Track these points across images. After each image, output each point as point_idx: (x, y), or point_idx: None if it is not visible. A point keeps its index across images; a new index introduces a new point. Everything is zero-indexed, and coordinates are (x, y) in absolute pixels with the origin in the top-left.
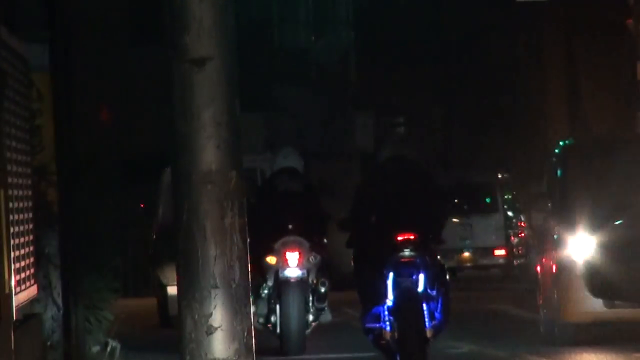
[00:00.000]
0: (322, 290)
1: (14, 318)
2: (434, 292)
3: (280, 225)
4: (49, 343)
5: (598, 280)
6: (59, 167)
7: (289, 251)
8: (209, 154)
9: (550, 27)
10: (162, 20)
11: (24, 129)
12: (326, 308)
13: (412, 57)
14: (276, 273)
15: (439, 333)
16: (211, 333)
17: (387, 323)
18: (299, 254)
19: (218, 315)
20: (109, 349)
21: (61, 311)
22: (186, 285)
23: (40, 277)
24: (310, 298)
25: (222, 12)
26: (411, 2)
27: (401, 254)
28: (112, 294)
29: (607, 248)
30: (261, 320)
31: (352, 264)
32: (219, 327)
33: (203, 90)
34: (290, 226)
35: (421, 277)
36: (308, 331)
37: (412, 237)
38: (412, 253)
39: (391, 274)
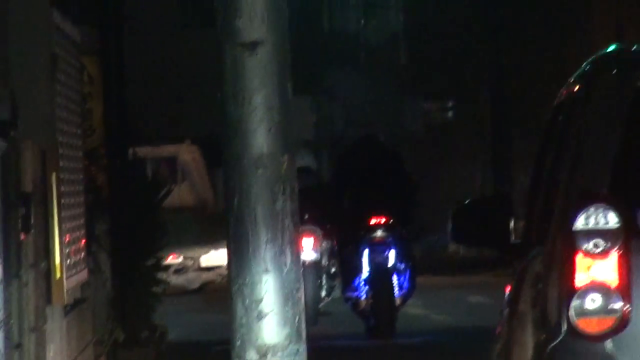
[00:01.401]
0: (333, 270)
1: (65, 302)
2: (402, 266)
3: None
4: (98, 328)
5: None
6: (108, 150)
7: (305, 237)
8: (260, 137)
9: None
10: (213, 3)
11: (76, 113)
12: (336, 285)
13: (461, 40)
14: None
15: (406, 300)
16: (262, 318)
17: (363, 292)
18: (313, 239)
19: (269, 300)
20: (157, 333)
21: (111, 296)
22: (237, 270)
23: (90, 262)
24: (324, 277)
25: None
26: None
27: (374, 234)
28: (164, 278)
29: None
30: None
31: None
32: (270, 311)
33: (254, 74)
34: (306, 216)
35: (391, 253)
36: (322, 304)
37: (383, 219)
38: (383, 233)
39: (366, 251)
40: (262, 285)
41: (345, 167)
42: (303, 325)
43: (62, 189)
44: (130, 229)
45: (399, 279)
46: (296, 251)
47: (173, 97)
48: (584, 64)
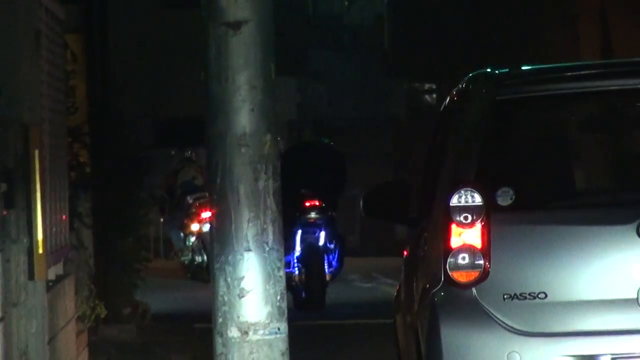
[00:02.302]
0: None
1: (47, 278)
2: (332, 246)
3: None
4: (80, 304)
5: None
6: (91, 128)
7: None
8: (243, 116)
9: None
10: None
11: (59, 90)
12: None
13: (445, 22)
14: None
15: (335, 276)
16: (243, 296)
17: (296, 269)
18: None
19: (251, 279)
20: (139, 310)
21: (94, 272)
22: (219, 248)
23: (73, 238)
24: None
25: None
26: None
27: (308, 215)
28: (146, 256)
29: None
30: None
31: None
32: (252, 290)
33: (238, 53)
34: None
35: (322, 234)
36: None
37: (317, 203)
38: (316, 215)
39: (299, 231)
40: (244, 263)
41: (290, 158)
42: (284, 304)
43: (45, 165)
44: (113, 206)
45: (328, 258)
46: (278, 230)
47: (156, 76)
48: (465, 79)
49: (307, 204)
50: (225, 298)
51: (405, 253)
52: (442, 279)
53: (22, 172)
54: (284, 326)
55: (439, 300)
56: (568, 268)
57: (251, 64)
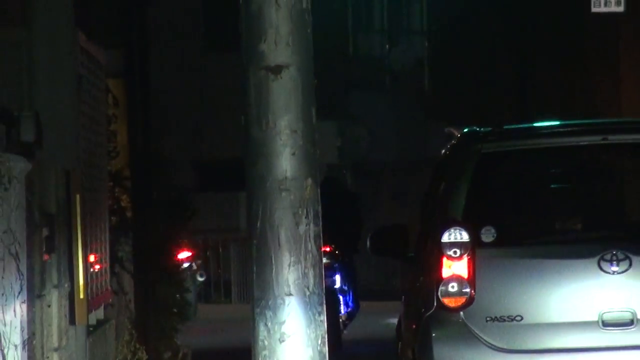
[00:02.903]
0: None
1: (88, 323)
2: (346, 287)
3: None
4: (120, 348)
5: None
6: (132, 172)
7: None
8: (284, 161)
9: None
10: (238, 27)
11: (100, 134)
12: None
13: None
14: None
15: (353, 317)
16: (284, 340)
17: None
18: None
19: (292, 323)
20: (180, 354)
21: (134, 316)
22: (259, 292)
23: (114, 283)
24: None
25: (299, 20)
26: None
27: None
28: (186, 301)
29: None
30: None
31: None
32: (293, 334)
33: (279, 97)
34: None
35: (337, 277)
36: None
37: (327, 249)
38: (329, 260)
39: None
40: (284, 308)
41: None
42: (325, 349)
43: (86, 210)
44: (154, 251)
45: (344, 299)
46: (319, 274)
47: (198, 119)
48: (457, 136)
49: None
50: (266, 342)
51: (404, 287)
52: (435, 304)
53: (63, 216)
54: None
55: (432, 322)
56: (541, 295)
57: (292, 108)
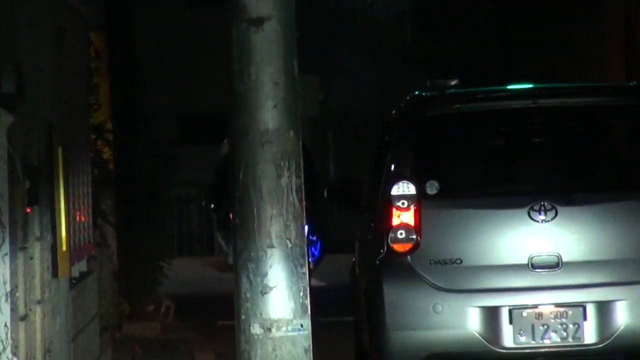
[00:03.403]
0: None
1: (71, 275)
2: (314, 238)
3: None
4: (103, 301)
5: None
6: (115, 125)
7: None
8: (266, 113)
9: None
10: None
11: (82, 87)
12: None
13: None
14: None
15: (317, 265)
16: (266, 293)
17: None
18: None
19: (274, 275)
20: (163, 307)
21: (117, 269)
22: (242, 244)
23: (97, 235)
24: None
25: None
26: None
27: None
28: (169, 254)
29: None
30: None
31: None
32: (275, 287)
33: (260, 49)
34: None
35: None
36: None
37: None
38: None
39: None
40: (267, 260)
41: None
42: (307, 301)
43: (68, 162)
44: (137, 203)
45: (310, 249)
46: (301, 226)
47: (180, 73)
48: (404, 100)
49: None
50: (248, 295)
51: (358, 233)
52: (385, 249)
53: (45, 169)
54: (307, 323)
55: (383, 265)
56: (478, 241)
57: (273, 60)
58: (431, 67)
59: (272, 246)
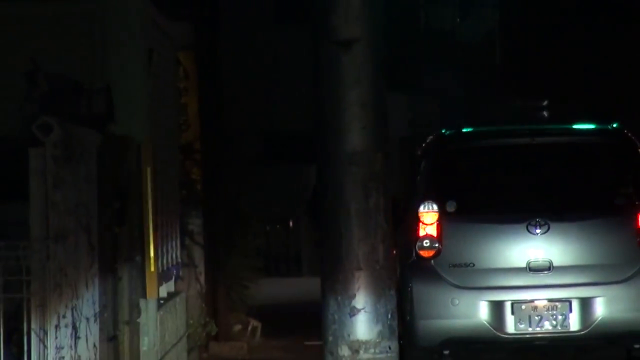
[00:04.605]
0: None
1: (159, 295)
2: None
3: None
4: (191, 321)
5: None
6: (203, 145)
7: None
8: (354, 135)
9: None
10: (310, 0)
11: (171, 107)
12: None
13: (558, 40)
14: None
15: None
16: (354, 315)
17: None
18: None
19: (361, 297)
20: (250, 327)
21: (204, 289)
22: (330, 266)
23: (184, 256)
24: None
25: None
26: None
27: None
28: (256, 274)
29: None
30: None
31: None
32: (362, 308)
33: (349, 71)
34: None
35: None
36: None
37: None
38: None
39: None
40: (354, 282)
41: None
42: (395, 323)
43: (157, 183)
44: (224, 223)
45: None
46: (388, 248)
47: (268, 91)
48: (430, 137)
49: None
50: (336, 316)
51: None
52: (414, 255)
53: (134, 189)
54: (394, 344)
55: (412, 267)
56: (487, 249)
57: (362, 82)
58: (518, 88)
59: (359, 268)
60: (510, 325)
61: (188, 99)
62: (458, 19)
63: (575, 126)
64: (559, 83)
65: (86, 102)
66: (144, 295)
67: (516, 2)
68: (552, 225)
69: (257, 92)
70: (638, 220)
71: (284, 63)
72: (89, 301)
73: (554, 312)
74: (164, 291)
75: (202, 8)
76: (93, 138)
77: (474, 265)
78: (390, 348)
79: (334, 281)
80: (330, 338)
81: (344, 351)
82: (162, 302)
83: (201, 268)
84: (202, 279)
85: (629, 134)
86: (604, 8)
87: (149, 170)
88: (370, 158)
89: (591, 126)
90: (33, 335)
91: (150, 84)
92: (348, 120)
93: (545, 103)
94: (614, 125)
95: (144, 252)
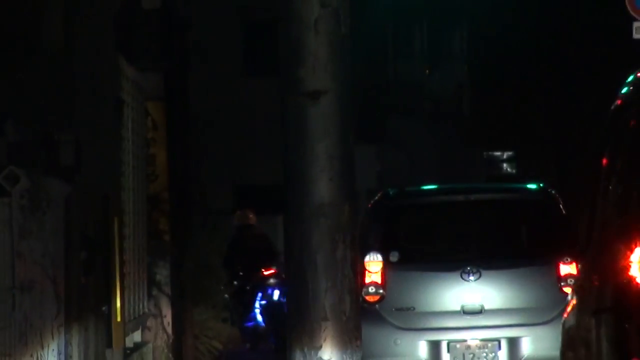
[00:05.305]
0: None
1: (125, 346)
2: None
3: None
4: None
5: None
6: (171, 196)
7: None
8: (322, 186)
9: None
10: (277, 53)
11: (140, 158)
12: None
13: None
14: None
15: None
16: None
17: (261, 320)
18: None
19: (328, 348)
20: None
21: (171, 339)
22: (296, 317)
23: (151, 306)
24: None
25: (337, 46)
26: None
27: (268, 281)
28: (221, 324)
29: None
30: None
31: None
32: (329, 359)
33: (317, 123)
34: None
35: (276, 292)
36: None
37: (273, 271)
38: (274, 280)
39: (259, 293)
40: (321, 333)
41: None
42: None
43: (125, 233)
44: (192, 275)
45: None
46: (355, 299)
47: (236, 143)
48: (377, 195)
49: (266, 272)
50: None
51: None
52: (361, 299)
53: (101, 239)
54: None
55: (361, 310)
56: (426, 294)
57: (330, 134)
58: (487, 139)
59: (326, 319)
60: None
61: (156, 149)
62: (427, 72)
63: (505, 185)
64: (526, 134)
65: (54, 153)
66: (110, 345)
67: (484, 55)
68: (484, 272)
69: (227, 143)
70: (559, 268)
71: (253, 115)
72: (54, 351)
73: (485, 350)
74: (130, 341)
75: (172, 59)
76: (61, 188)
77: (414, 308)
78: None
79: (300, 332)
80: None
81: None
82: (128, 352)
83: (169, 318)
84: (169, 329)
85: (552, 192)
86: (571, 60)
87: (116, 220)
88: (337, 209)
89: (519, 185)
90: None
91: (119, 134)
92: (315, 172)
93: (511, 154)
94: (540, 185)
95: (111, 302)
